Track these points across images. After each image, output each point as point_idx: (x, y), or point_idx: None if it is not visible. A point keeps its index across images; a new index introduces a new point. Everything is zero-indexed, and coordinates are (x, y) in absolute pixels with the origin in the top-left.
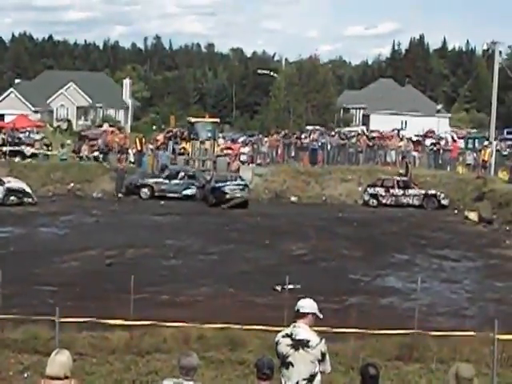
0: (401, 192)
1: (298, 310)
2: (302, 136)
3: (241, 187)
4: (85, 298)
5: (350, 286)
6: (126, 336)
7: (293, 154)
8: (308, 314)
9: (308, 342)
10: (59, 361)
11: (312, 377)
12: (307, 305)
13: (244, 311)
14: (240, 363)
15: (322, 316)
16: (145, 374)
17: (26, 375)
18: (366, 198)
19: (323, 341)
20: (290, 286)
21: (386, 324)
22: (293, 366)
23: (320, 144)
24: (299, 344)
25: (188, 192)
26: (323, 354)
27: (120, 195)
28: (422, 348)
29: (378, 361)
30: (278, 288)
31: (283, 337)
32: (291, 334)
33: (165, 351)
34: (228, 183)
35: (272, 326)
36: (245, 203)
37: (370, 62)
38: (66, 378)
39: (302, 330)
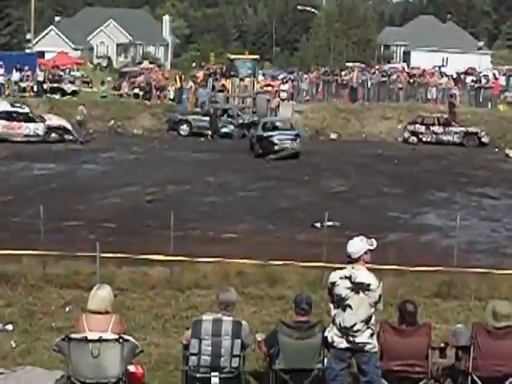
0: (441, 129)
1: (350, 256)
2: (342, 73)
3: (292, 137)
4: (125, 234)
5: (390, 224)
6: (166, 271)
7: (333, 91)
8: (361, 256)
9: (369, 285)
10: (100, 296)
11: (369, 318)
12: (356, 249)
13: (283, 247)
14: (279, 299)
15: (375, 245)
16: (184, 309)
17: (67, 309)
18: (406, 135)
19: (381, 283)
20: (329, 223)
21: (425, 261)
22: (351, 308)
23: (360, 81)
24: (359, 287)
25: (226, 130)
26: (380, 296)
27: (214, 136)
28: (460, 285)
29: (416, 298)
30: (317, 225)
31: (341, 278)
32: (350, 277)
33: (204, 287)
34: (277, 132)
35: (311, 263)
36: (295, 155)
37: None
38: (107, 312)
39: (362, 273)
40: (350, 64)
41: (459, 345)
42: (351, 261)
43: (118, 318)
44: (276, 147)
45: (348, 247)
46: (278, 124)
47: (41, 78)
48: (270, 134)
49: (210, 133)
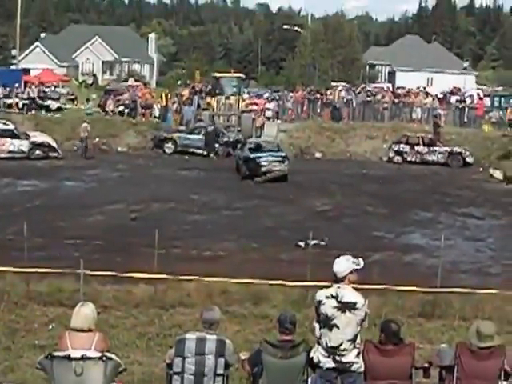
0: (426, 149)
1: (335, 275)
2: (328, 92)
3: (280, 159)
4: (109, 251)
5: (374, 243)
6: (150, 290)
7: (318, 110)
8: (346, 275)
9: (355, 304)
10: (84, 313)
11: (355, 337)
12: (342, 268)
13: (267, 266)
14: (263, 318)
15: (361, 264)
16: (168, 328)
17: (50, 327)
18: (391, 154)
19: (367, 301)
20: (314, 242)
21: (409, 281)
22: (338, 328)
23: (345, 100)
24: (346, 306)
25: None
26: (366, 314)
27: (212, 155)
28: (444, 305)
29: (400, 317)
30: (302, 244)
31: (327, 297)
32: (337, 296)
33: (188, 305)
34: (265, 154)
35: (295, 282)
36: (283, 177)
37: (396, 19)
38: (90, 330)
39: (347, 292)
40: (335, 83)
41: (443, 364)
42: (337, 280)
43: (101, 336)
44: (263, 169)
45: (334, 266)
46: (265, 145)
47: (33, 94)
48: (257, 155)
49: (205, 152)
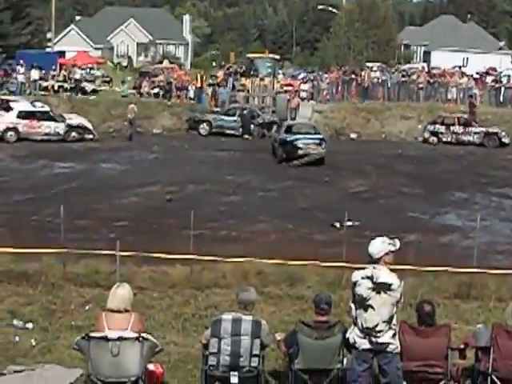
0: (461, 130)
1: (371, 256)
2: (362, 73)
3: (317, 141)
4: (145, 233)
5: (409, 224)
6: (185, 271)
7: (353, 91)
8: (382, 256)
9: (390, 285)
10: (120, 294)
11: (391, 318)
12: (377, 249)
13: (303, 247)
14: (298, 298)
15: (397, 246)
16: (204, 308)
17: (87, 308)
18: (426, 135)
19: (402, 283)
20: (349, 223)
21: (445, 262)
22: (373, 308)
23: (380, 81)
24: (381, 287)
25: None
26: (401, 295)
27: (246, 136)
28: (480, 286)
29: (435, 298)
30: (337, 224)
31: (363, 278)
32: (372, 277)
33: (224, 286)
34: (302, 136)
35: (330, 262)
36: (321, 160)
37: None
38: (127, 311)
39: (383, 273)
40: (370, 64)
41: (479, 345)
42: (372, 261)
43: (137, 316)
44: (300, 152)
45: (369, 247)
46: (301, 127)
47: (74, 76)
48: (294, 137)
49: (241, 134)
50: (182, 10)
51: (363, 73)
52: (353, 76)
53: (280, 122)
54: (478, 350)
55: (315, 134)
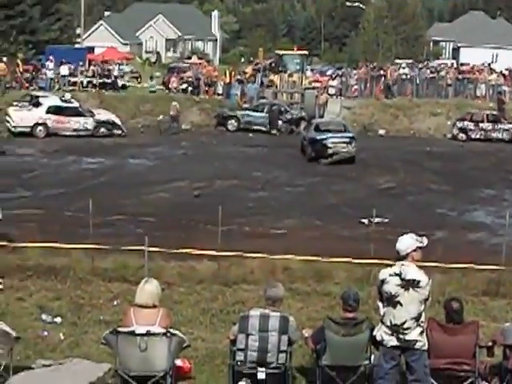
0: (490, 126)
1: (398, 253)
2: (391, 68)
3: (347, 140)
4: (173, 228)
5: (438, 221)
6: (213, 266)
7: (381, 87)
8: (409, 253)
9: (418, 282)
10: (148, 290)
11: (419, 315)
12: (405, 245)
13: (331, 243)
14: (326, 295)
15: (425, 242)
16: (231, 304)
17: (115, 303)
18: (455, 132)
19: (430, 280)
20: (377, 220)
21: (473, 259)
22: (401, 305)
23: (408, 77)
24: (409, 284)
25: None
26: (429, 293)
27: (274, 131)
28: (508, 284)
29: (463, 296)
30: (365, 221)
31: (391, 275)
32: (400, 274)
33: (251, 282)
34: (331, 134)
35: (358, 259)
36: (350, 159)
37: None
38: (155, 306)
39: (411, 270)
40: (399, 60)
41: (507, 343)
42: (400, 258)
43: (165, 311)
44: (330, 151)
45: (397, 244)
46: (331, 126)
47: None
48: (324, 136)
49: (269, 129)
50: (210, 6)
51: (388, 70)
52: (380, 72)
53: (309, 119)
54: (506, 347)
55: (345, 132)
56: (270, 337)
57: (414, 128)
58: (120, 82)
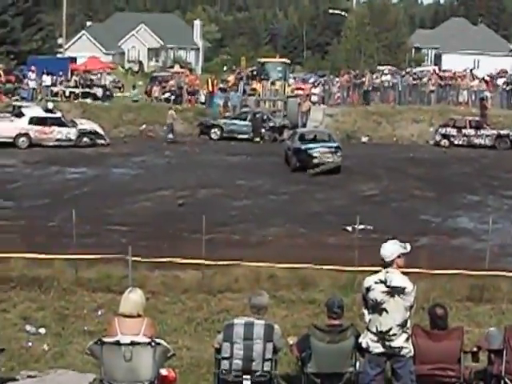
0: (473, 132)
1: (383, 260)
2: (373, 76)
3: (332, 149)
4: (157, 237)
5: (421, 227)
6: (197, 275)
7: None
8: (394, 259)
9: (404, 288)
10: (132, 299)
11: (405, 322)
12: (389, 252)
13: (315, 251)
14: (310, 302)
15: (408, 249)
16: (216, 313)
17: (99, 313)
18: (438, 138)
19: (415, 287)
20: (361, 227)
21: (457, 265)
22: (387, 312)
23: (391, 84)
24: (395, 291)
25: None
26: (414, 299)
27: (257, 139)
28: (492, 289)
29: (448, 301)
30: (349, 228)
31: (376, 283)
32: (385, 281)
33: (236, 290)
34: (316, 144)
35: (343, 266)
36: (336, 169)
37: (441, 1)
38: (139, 316)
39: (396, 276)
40: (381, 67)
41: (492, 348)
42: (385, 264)
43: (149, 321)
44: (315, 161)
45: (381, 251)
46: (316, 135)
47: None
48: (309, 146)
49: (252, 137)
50: (192, 15)
51: (366, 76)
52: (357, 81)
53: (292, 127)
54: (490, 352)
55: (330, 141)
56: (255, 345)
57: (397, 135)
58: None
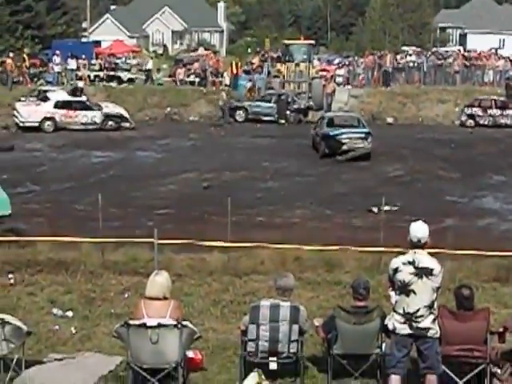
0: (499, 112)
1: (419, 241)
2: (398, 57)
3: (362, 135)
4: (183, 220)
5: (447, 208)
6: (223, 257)
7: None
8: (427, 241)
9: (432, 270)
10: (158, 282)
11: (432, 303)
12: (425, 233)
13: (340, 232)
14: (336, 284)
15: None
16: (242, 295)
17: (126, 296)
18: (463, 118)
19: (443, 268)
20: (387, 208)
21: (483, 245)
22: (415, 293)
23: (416, 64)
24: (423, 272)
25: None
26: (442, 280)
27: (282, 121)
28: None
29: (474, 282)
30: (375, 209)
31: (404, 264)
32: (413, 262)
33: (262, 272)
34: (346, 130)
35: (368, 247)
36: (367, 155)
37: None
38: (165, 298)
39: (424, 258)
40: (406, 48)
41: None
42: (415, 245)
43: (176, 303)
44: (345, 147)
45: (416, 233)
46: (345, 120)
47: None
48: (338, 132)
49: (277, 119)
50: None
51: (386, 57)
52: (381, 61)
53: (317, 109)
54: None
55: (360, 127)
56: (281, 327)
57: (422, 115)
58: (127, 75)
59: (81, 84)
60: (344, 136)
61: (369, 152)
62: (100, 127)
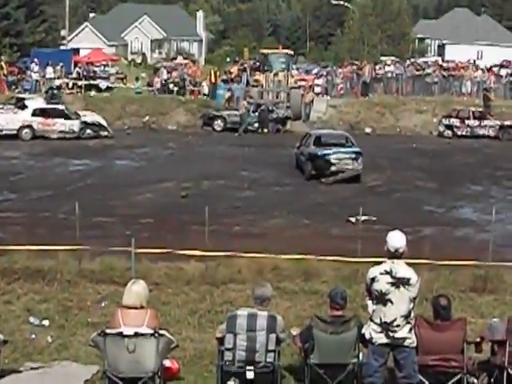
0: (476, 123)
1: (397, 251)
2: (376, 67)
3: (353, 155)
4: (160, 229)
5: (425, 218)
6: (201, 267)
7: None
8: (404, 250)
9: (409, 280)
10: (135, 291)
11: (409, 313)
12: (403, 243)
13: (318, 242)
14: (313, 293)
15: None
16: (219, 304)
17: (103, 305)
18: (441, 129)
19: (419, 278)
20: (365, 218)
21: (460, 255)
22: (392, 303)
23: (395, 75)
24: (400, 282)
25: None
26: (418, 290)
27: (265, 130)
28: (496, 280)
29: (451, 292)
30: (352, 219)
31: (381, 274)
32: (391, 272)
33: (239, 282)
34: (335, 149)
35: (346, 257)
36: (356, 177)
37: None
38: (142, 307)
39: (402, 267)
40: (384, 58)
41: (495, 339)
42: (392, 255)
43: (153, 312)
44: (333, 168)
45: (393, 243)
46: (333, 138)
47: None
48: (327, 152)
49: (259, 129)
50: (195, 7)
51: (365, 68)
52: (359, 71)
53: (295, 118)
54: (493, 343)
55: (350, 146)
56: (258, 336)
57: (401, 126)
58: (105, 84)
59: (57, 83)
60: (334, 156)
61: (359, 174)
62: (78, 136)
